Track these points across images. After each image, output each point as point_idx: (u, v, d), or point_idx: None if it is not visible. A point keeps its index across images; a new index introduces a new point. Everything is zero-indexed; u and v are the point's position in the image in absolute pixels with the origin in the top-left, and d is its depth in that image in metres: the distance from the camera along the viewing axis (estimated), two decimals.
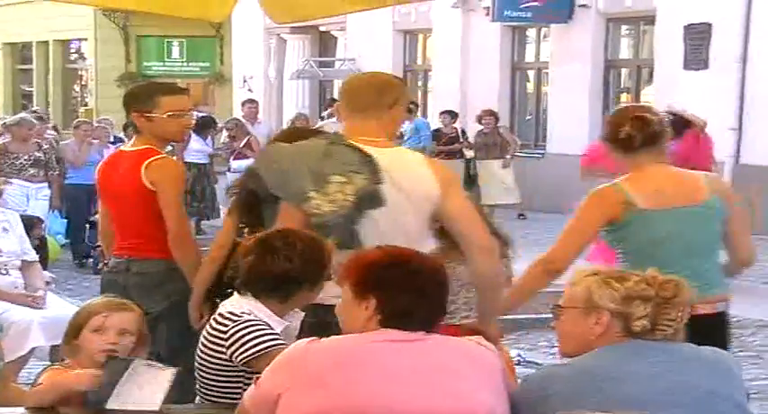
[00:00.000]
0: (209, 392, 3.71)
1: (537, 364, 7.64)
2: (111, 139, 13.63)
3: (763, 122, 15.84)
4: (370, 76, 4.69)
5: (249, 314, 3.64)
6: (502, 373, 3.10)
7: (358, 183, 4.04)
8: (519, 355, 8.20)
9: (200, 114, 15.02)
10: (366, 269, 3.13)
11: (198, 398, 3.78)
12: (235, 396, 3.52)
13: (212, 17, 6.09)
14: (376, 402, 2.90)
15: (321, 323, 3.74)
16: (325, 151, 4.12)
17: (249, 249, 3.77)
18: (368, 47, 22.36)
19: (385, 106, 4.25)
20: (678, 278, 3.13)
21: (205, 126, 14.99)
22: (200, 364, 3.71)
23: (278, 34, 24.65)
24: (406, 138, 17.40)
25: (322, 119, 17.66)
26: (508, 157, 17.80)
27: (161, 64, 26.23)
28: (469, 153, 18.26)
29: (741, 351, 8.68)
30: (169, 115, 5.01)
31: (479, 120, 18.08)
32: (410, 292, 3.05)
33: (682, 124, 11.42)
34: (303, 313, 3.85)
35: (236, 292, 3.78)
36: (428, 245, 4.08)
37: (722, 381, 3.09)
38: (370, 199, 4.06)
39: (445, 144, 18.06)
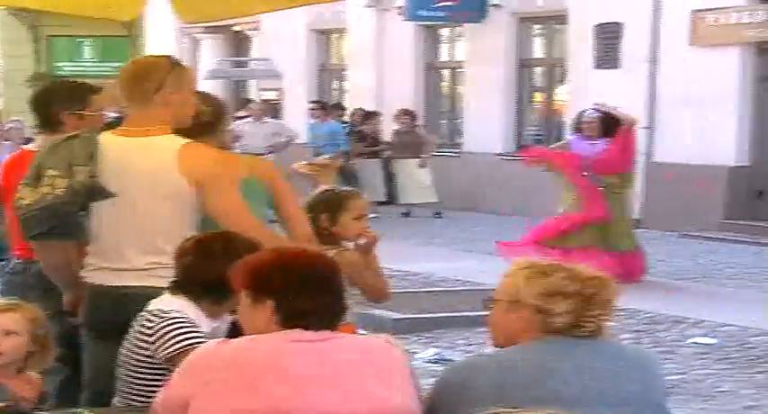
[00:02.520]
0: (131, 391, 3.67)
1: (456, 361, 7.64)
2: (24, 140, 13.40)
3: (673, 121, 16.09)
4: (132, 63, 4.55)
5: (178, 312, 3.62)
6: (409, 369, 3.08)
7: (78, 176, 4.05)
8: (437, 354, 8.21)
9: (114, 114, 14.81)
10: (259, 272, 3.11)
11: (117, 398, 3.73)
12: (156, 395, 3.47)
13: (121, 16, 6.02)
14: (282, 404, 2.88)
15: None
16: (54, 146, 4.18)
17: (186, 250, 3.74)
18: (282, 46, 22.30)
19: (148, 92, 4.18)
20: (602, 275, 3.11)
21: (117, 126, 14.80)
22: (125, 361, 3.67)
23: (191, 34, 24.50)
24: (322, 144, 17.38)
25: (238, 119, 17.53)
26: (425, 156, 17.87)
27: (72, 64, 25.86)
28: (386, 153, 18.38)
29: (655, 346, 8.79)
30: (98, 113, 4.97)
31: (396, 119, 18.15)
32: (305, 292, 3.03)
33: (612, 123, 11.54)
34: (231, 316, 3.80)
35: (167, 292, 3.74)
36: (182, 235, 3.98)
37: (644, 378, 3.09)
38: (89, 192, 4.07)
39: (371, 145, 18.11)
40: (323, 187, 5.10)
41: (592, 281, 3.06)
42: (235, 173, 4.27)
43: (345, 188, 5.18)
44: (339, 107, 19.56)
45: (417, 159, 17.86)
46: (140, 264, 4.10)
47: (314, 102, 19.52)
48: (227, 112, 4.71)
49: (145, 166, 4.12)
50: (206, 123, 4.42)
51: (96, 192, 4.09)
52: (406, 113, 18.29)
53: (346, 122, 18.82)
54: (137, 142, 4.16)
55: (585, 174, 11.46)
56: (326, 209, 4.75)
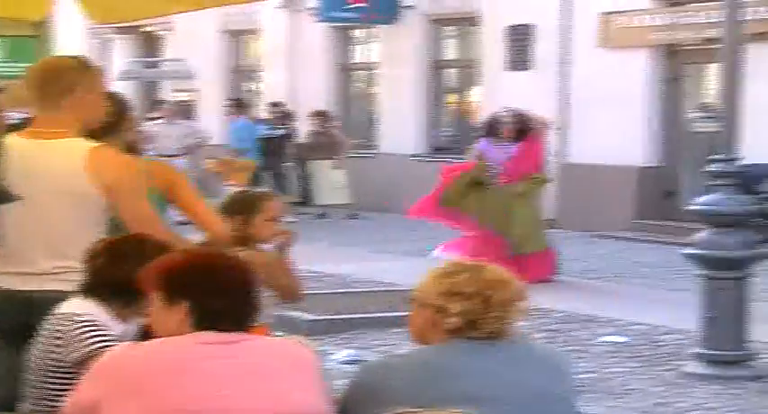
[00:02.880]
0: (40, 396, 3.61)
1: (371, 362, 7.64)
2: None
3: (584, 122, 16.27)
4: (41, 64, 4.48)
5: (89, 315, 3.59)
6: (320, 371, 3.08)
7: None
8: (352, 355, 8.21)
9: (22, 115, 14.59)
10: (172, 274, 3.09)
11: (26, 404, 3.66)
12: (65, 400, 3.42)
13: (28, 16, 5.93)
14: (193, 406, 2.86)
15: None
16: None
17: (97, 253, 3.71)
18: (195, 47, 22.13)
19: (59, 94, 4.13)
20: (507, 277, 3.12)
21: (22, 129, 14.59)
22: (34, 367, 3.61)
23: (102, 35, 24.21)
24: (237, 141, 17.33)
25: (150, 120, 17.37)
26: (340, 157, 17.87)
27: None
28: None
29: (568, 345, 8.87)
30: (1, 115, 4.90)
31: (311, 120, 18.14)
32: (219, 294, 3.02)
33: (525, 125, 11.63)
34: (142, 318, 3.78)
35: (77, 295, 3.70)
36: (90, 239, 3.93)
37: (553, 378, 3.11)
38: None
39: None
40: (237, 189, 5.11)
41: (493, 283, 3.07)
42: (143, 179, 4.23)
43: (260, 190, 5.21)
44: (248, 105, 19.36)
45: (332, 160, 17.85)
46: (47, 268, 4.06)
47: (231, 99, 19.44)
48: (130, 112, 4.66)
49: (52, 169, 4.07)
50: (108, 123, 4.36)
51: (1, 195, 4.01)
52: (320, 114, 18.29)
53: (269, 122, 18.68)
54: (44, 145, 4.10)
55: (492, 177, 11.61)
56: (241, 211, 4.75)
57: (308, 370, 3.04)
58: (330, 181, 17.87)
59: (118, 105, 4.53)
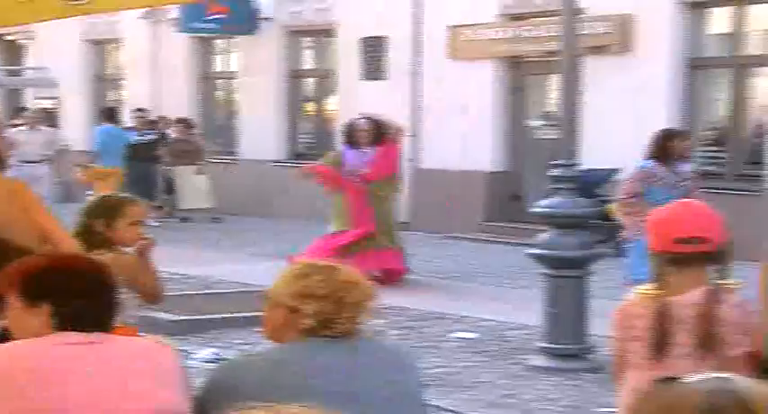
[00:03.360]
0: None
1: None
2: None
3: (435, 129, 16.42)
4: None
5: None
6: (180, 369, 3.05)
7: None
8: (215, 354, 8.15)
9: None
10: (32, 277, 3.03)
11: None
12: None
13: None
14: (58, 405, 2.81)
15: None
16: None
17: None
18: (57, 56, 21.68)
19: None
20: (358, 278, 3.12)
21: None
22: None
23: None
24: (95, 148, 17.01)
25: (13, 127, 16.92)
26: (202, 163, 17.74)
27: None
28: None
29: (421, 342, 8.95)
30: None
31: (173, 127, 17.95)
32: (79, 295, 2.97)
33: (380, 130, 11.67)
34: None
35: None
36: None
37: (400, 373, 3.13)
38: None
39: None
40: (102, 193, 5.03)
41: (345, 284, 3.07)
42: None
43: (123, 194, 5.12)
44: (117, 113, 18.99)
45: (195, 166, 17.71)
46: None
47: (102, 108, 19.05)
48: None
49: None
50: None
51: None
52: (182, 121, 18.13)
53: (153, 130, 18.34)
54: None
55: (351, 180, 11.57)
56: (103, 214, 4.69)
57: (169, 368, 3.01)
58: (193, 186, 17.73)
59: None
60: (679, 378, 1.64)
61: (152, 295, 4.93)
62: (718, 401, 1.57)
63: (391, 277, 11.22)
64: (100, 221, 4.65)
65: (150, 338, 3.18)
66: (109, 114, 18.14)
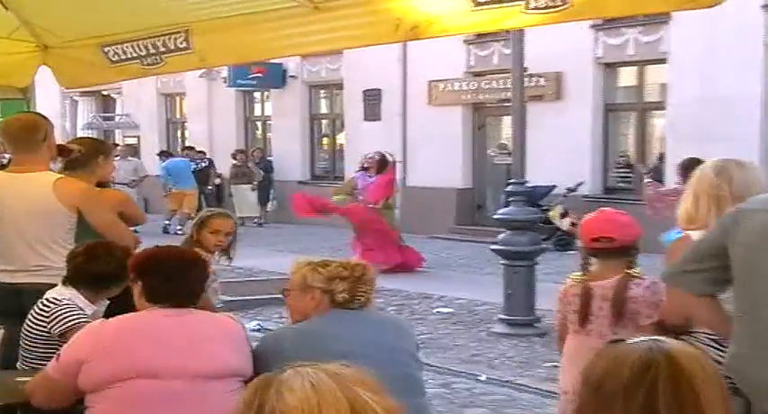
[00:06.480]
0: (28, 357, 3.51)
1: (272, 330, 7.58)
2: None
3: (418, 157, 16.42)
4: (16, 120, 4.31)
5: (69, 300, 3.51)
6: (246, 338, 3.01)
7: None
8: (259, 325, 8.12)
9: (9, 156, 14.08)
10: (133, 262, 3.07)
11: (18, 363, 3.55)
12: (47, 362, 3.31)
13: (17, 83, 5.75)
14: (150, 364, 2.79)
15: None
16: None
17: (77, 254, 3.66)
18: (139, 105, 21.70)
19: (38, 141, 4.07)
20: (363, 263, 3.11)
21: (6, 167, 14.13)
22: (26, 336, 3.51)
23: (71, 96, 23.53)
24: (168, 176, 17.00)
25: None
26: (254, 183, 17.82)
27: None
28: (217, 180, 18.18)
29: (412, 315, 8.92)
30: None
31: (234, 156, 18.05)
32: (159, 275, 2.94)
33: (384, 162, 11.88)
34: (107, 301, 3.71)
35: (60, 283, 3.61)
36: (62, 244, 3.94)
37: (400, 337, 3.10)
38: None
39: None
40: (208, 209, 5.08)
41: (358, 266, 3.06)
42: (99, 198, 4.15)
43: (217, 210, 5.02)
44: (191, 149, 18.99)
45: (248, 185, 17.87)
46: (30, 266, 3.98)
47: (185, 147, 18.97)
48: (98, 152, 4.43)
49: (28, 196, 4.00)
50: (76, 159, 4.30)
51: None
52: (241, 152, 18.38)
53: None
54: (23, 177, 4.04)
55: (359, 202, 11.68)
56: (197, 223, 4.61)
57: (237, 337, 2.98)
58: (247, 199, 17.88)
59: (87, 147, 4.41)
60: (624, 340, 1.65)
61: None
62: (653, 355, 1.57)
63: (408, 267, 11.43)
64: (194, 228, 4.59)
65: (225, 315, 3.15)
66: (167, 154, 18.40)
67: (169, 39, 4.46)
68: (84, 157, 4.31)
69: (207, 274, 3.12)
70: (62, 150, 4.30)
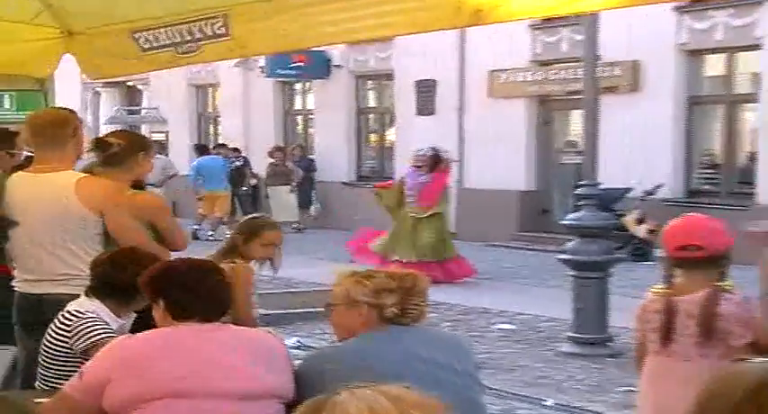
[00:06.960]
0: (46, 375, 3.54)
1: (314, 347, 7.59)
2: None
3: (476, 156, 16.38)
4: (45, 114, 4.37)
5: (92, 313, 3.52)
6: (286, 356, 3.01)
7: None
8: (298, 341, 8.15)
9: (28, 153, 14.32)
10: (147, 278, 3.05)
11: (37, 382, 3.58)
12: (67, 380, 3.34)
13: (35, 73, 5.85)
14: (180, 383, 2.80)
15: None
16: None
17: (101, 262, 3.66)
18: (167, 98, 21.94)
19: (67, 137, 4.11)
20: (412, 272, 3.08)
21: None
22: (45, 352, 3.54)
23: (93, 88, 23.88)
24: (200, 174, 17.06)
25: None
26: (294, 184, 17.75)
27: None
28: (253, 181, 18.19)
29: (468, 332, 8.89)
30: (19, 152, 5.03)
31: (271, 155, 18.01)
32: (183, 290, 2.93)
33: (438, 159, 11.94)
34: (135, 314, 3.71)
35: (83, 294, 3.62)
36: (87, 251, 3.96)
37: (457, 355, 3.07)
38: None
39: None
40: (253, 214, 5.00)
41: (407, 276, 3.03)
42: (124, 199, 4.12)
43: (267, 218, 4.93)
44: (223, 146, 19.09)
45: (287, 186, 17.73)
46: (53, 275, 4.01)
47: (219, 144, 19.06)
48: (139, 148, 4.34)
49: (48, 198, 4.03)
50: (115, 154, 4.25)
51: (4, 223, 4.05)
52: (279, 149, 18.22)
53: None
54: (43, 178, 4.07)
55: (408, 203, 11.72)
56: (246, 231, 4.53)
57: (278, 355, 2.98)
58: (286, 202, 17.67)
59: (127, 141, 4.32)
60: (739, 362, 1.63)
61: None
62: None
63: (452, 279, 11.42)
64: (241, 237, 4.51)
65: (262, 330, 3.14)
66: (202, 148, 18.29)
67: (206, 24, 4.46)
68: (123, 152, 4.25)
69: (229, 284, 3.10)
70: (101, 144, 4.29)
